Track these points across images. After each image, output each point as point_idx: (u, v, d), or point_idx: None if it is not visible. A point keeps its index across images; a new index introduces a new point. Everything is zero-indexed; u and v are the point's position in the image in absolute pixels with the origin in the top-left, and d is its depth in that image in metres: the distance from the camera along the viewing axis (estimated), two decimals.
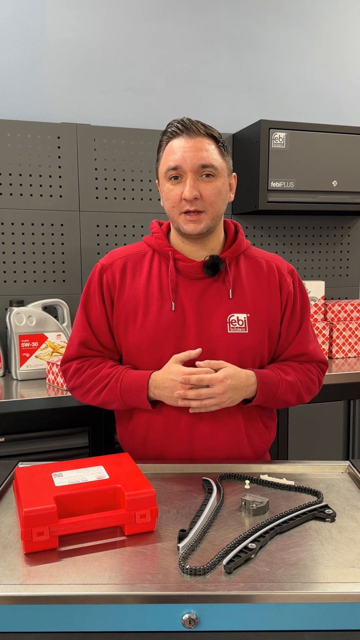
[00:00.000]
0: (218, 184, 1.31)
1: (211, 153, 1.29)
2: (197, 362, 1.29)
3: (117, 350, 1.42)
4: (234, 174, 1.40)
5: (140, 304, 1.35)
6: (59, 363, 1.76)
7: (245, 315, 1.36)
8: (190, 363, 1.30)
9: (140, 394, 1.31)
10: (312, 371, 1.44)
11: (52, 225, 2.29)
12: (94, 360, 1.40)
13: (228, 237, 1.43)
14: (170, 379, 1.27)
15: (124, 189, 2.37)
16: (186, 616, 0.80)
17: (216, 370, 1.28)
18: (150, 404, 1.32)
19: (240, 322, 1.35)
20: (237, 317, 1.35)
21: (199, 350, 1.30)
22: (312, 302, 2.44)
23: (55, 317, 2.19)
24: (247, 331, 1.35)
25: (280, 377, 1.36)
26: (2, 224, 2.22)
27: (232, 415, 1.34)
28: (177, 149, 1.29)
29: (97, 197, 2.34)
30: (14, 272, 2.26)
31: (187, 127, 1.29)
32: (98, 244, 2.36)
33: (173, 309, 1.34)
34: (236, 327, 1.35)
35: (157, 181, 1.39)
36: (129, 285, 1.38)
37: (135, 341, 1.35)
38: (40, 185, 2.25)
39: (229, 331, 1.34)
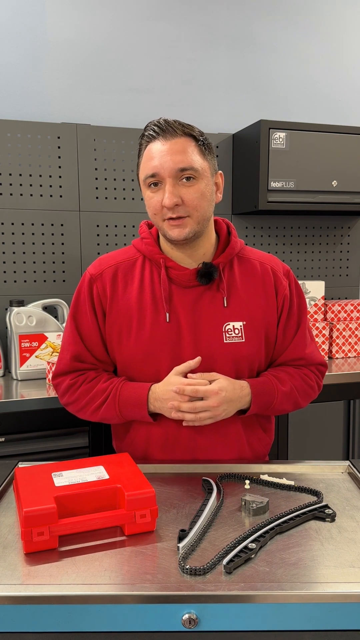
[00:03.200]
0: (200, 186, 1.24)
1: (190, 155, 1.23)
2: (190, 374, 1.26)
3: (111, 362, 1.39)
4: (220, 172, 1.33)
5: (134, 315, 1.32)
6: None
7: (241, 323, 1.32)
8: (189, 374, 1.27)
9: (140, 409, 1.28)
10: (310, 376, 1.41)
11: (52, 225, 2.29)
12: (88, 374, 1.36)
13: (221, 238, 1.38)
14: (169, 390, 1.24)
15: (124, 189, 2.37)
16: (186, 616, 0.80)
17: (210, 382, 1.25)
18: (152, 417, 1.30)
19: (237, 331, 1.32)
20: (233, 326, 1.32)
21: (198, 359, 1.25)
22: (312, 302, 2.44)
23: (55, 317, 2.19)
24: (243, 340, 1.32)
25: (275, 387, 1.33)
26: (2, 224, 2.22)
27: (232, 425, 1.33)
28: (155, 154, 1.23)
29: (97, 197, 2.34)
30: (14, 272, 2.26)
31: (163, 129, 1.23)
32: (98, 244, 2.36)
33: (168, 320, 1.30)
34: (232, 337, 1.31)
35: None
36: (121, 296, 1.33)
37: (130, 354, 1.32)
38: (40, 185, 2.25)
39: (225, 341, 1.31)
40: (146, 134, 1.26)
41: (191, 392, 1.21)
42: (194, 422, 1.25)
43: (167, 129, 1.23)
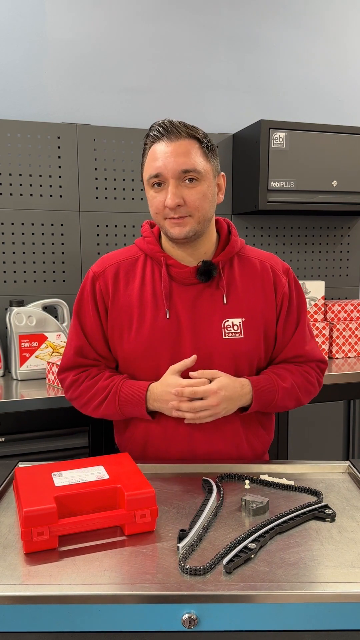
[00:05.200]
0: (203, 188, 1.27)
1: (193, 157, 1.25)
2: (191, 373, 1.27)
3: (114, 359, 1.41)
4: (223, 173, 1.36)
5: (135, 312, 1.34)
6: (59, 363, 1.76)
7: (240, 319, 1.34)
8: (186, 372, 1.28)
9: (139, 407, 1.30)
10: (311, 373, 1.42)
11: (52, 225, 2.29)
12: (91, 371, 1.38)
13: (221, 237, 1.40)
14: (168, 391, 1.25)
15: (124, 189, 2.37)
16: (186, 616, 0.80)
17: (210, 381, 1.26)
18: (150, 415, 1.32)
19: (236, 327, 1.34)
20: (232, 322, 1.34)
21: (194, 357, 1.27)
22: (312, 302, 2.44)
23: (55, 317, 2.19)
24: (242, 336, 1.34)
25: (276, 384, 1.34)
26: (2, 224, 2.22)
27: (230, 422, 1.33)
28: (159, 155, 1.25)
29: (97, 197, 2.34)
30: (14, 272, 2.26)
31: (167, 130, 1.25)
32: (98, 244, 2.36)
33: (167, 317, 1.33)
34: (231, 333, 1.33)
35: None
36: (123, 293, 1.36)
37: (130, 349, 1.34)
38: (40, 185, 2.25)
39: (224, 337, 1.33)
40: (151, 134, 1.29)
41: (190, 393, 1.23)
42: (194, 421, 1.26)
43: (171, 130, 1.25)
